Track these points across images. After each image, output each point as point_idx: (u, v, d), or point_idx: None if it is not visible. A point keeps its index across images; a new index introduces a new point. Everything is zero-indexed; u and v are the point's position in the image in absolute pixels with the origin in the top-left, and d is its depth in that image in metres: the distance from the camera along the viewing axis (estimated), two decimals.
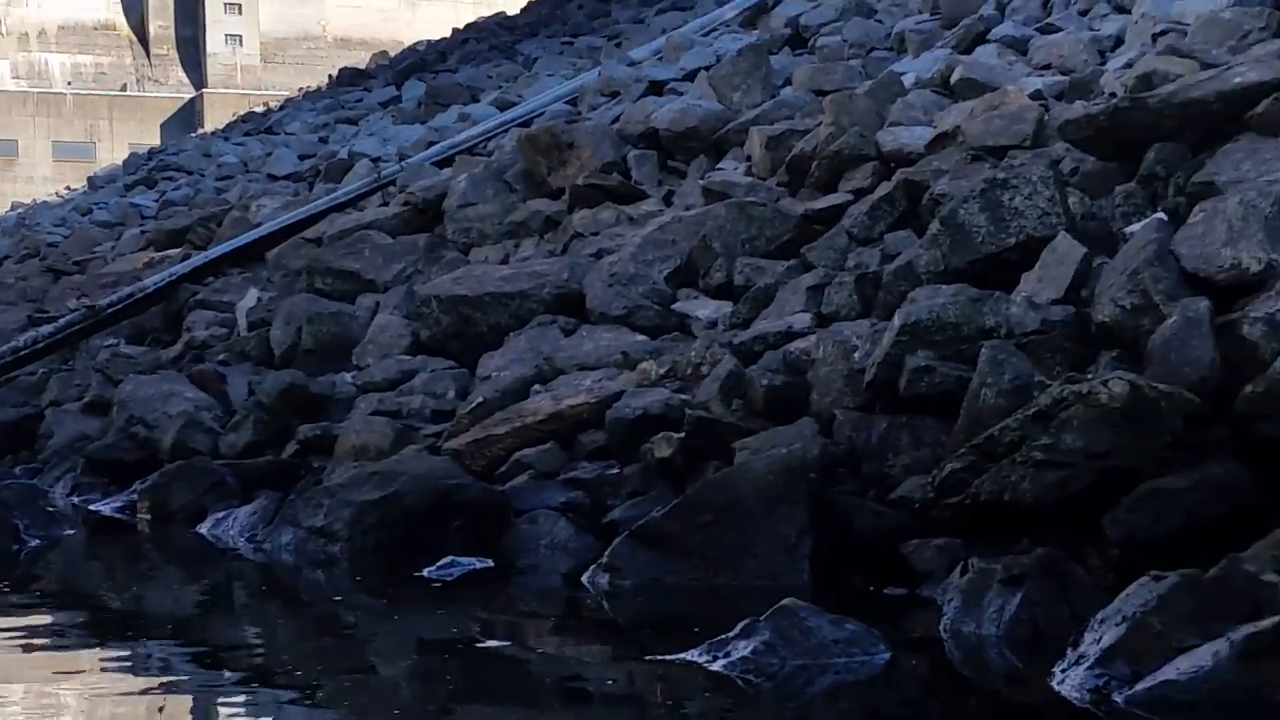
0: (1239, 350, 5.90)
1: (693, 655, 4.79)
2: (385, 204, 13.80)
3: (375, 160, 15.57)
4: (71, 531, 8.64)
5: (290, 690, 4.98)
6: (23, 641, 5.88)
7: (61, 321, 13.50)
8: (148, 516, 9.03)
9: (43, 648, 5.80)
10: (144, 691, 5.02)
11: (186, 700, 4.98)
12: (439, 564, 6.84)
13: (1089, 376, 5.95)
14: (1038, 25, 11.56)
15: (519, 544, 7.31)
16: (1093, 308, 6.63)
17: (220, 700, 4.93)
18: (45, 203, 28.27)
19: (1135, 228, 7.08)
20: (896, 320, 6.79)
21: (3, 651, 5.67)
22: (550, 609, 6.37)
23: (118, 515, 9.52)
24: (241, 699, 4.94)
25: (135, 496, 9.50)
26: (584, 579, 6.34)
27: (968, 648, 5.03)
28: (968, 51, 11.52)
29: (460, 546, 7.18)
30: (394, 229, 12.75)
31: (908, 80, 10.97)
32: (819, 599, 5.80)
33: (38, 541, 8.11)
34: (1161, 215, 7.07)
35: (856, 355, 7.06)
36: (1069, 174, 8.09)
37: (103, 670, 5.41)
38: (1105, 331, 6.48)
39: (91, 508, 9.81)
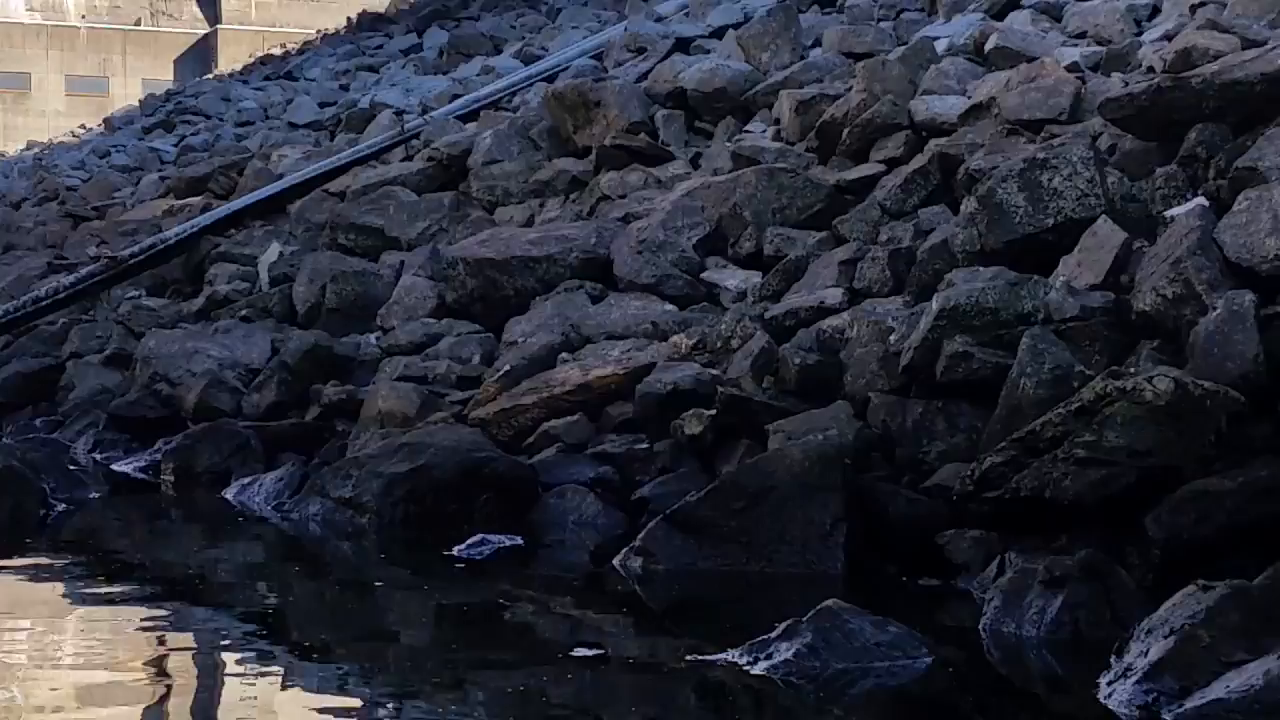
0: None
1: (734, 656, 4.75)
2: (409, 158, 13.71)
3: (398, 112, 15.47)
4: (96, 495, 8.60)
5: (307, 658, 5.07)
6: (57, 605, 5.90)
7: (82, 272, 13.45)
8: (172, 478, 9.01)
9: (71, 609, 5.82)
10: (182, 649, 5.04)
11: (208, 664, 5.06)
12: (469, 542, 6.80)
13: (1131, 370, 5.89)
14: None
15: (546, 519, 7.28)
16: (1133, 295, 6.55)
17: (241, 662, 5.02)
18: (62, 143, 28.17)
19: (1176, 211, 7.00)
20: (934, 304, 6.72)
21: (45, 615, 5.68)
22: (585, 597, 6.32)
23: (140, 475, 9.50)
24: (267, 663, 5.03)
25: (159, 456, 9.48)
26: (616, 562, 6.29)
27: (1007, 649, 4.99)
28: (1000, 16, 11.40)
29: (488, 520, 7.15)
30: (418, 185, 12.68)
31: (940, 46, 10.85)
32: (853, 588, 5.78)
33: (64, 505, 8.08)
34: (1203, 200, 7.00)
35: (892, 338, 6.99)
36: (1106, 152, 8.00)
37: (138, 630, 5.44)
38: (1146, 320, 6.41)
39: (114, 466, 9.79)
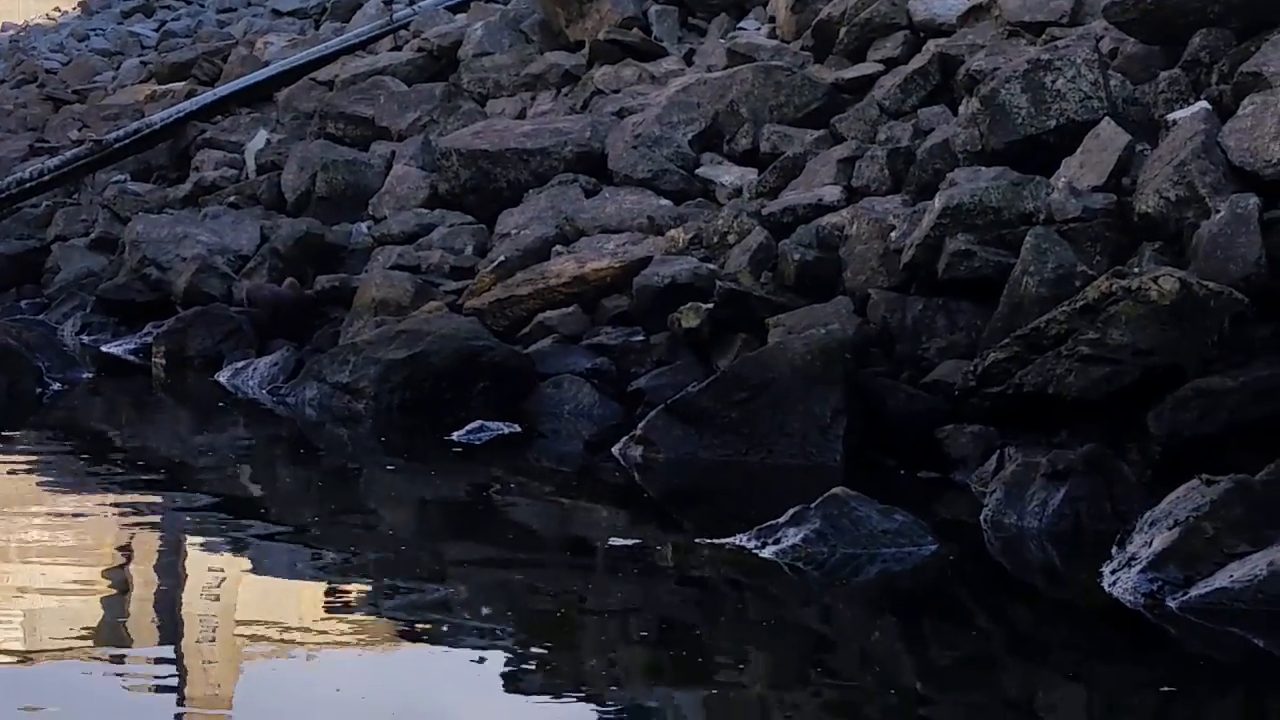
0: None
1: (742, 540, 4.81)
2: (398, 48, 13.59)
3: (387, 1, 15.31)
4: (89, 375, 8.60)
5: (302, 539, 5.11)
6: (59, 485, 5.92)
7: (67, 155, 13.35)
8: (163, 361, 9.00)
9: (76, 489, 5.84)
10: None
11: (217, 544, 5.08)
12: (468, 428, 6.84)
13: (1134, 270, 5.93)
14: None
15: (543, 408, 7.33)
16: (1135, 197, 6.59)
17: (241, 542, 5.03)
18: (39, 25, 27.80)
19: (1179, 115, 7.02)
20: (937, 202, 6.74)
21: (32, 491, 5.71)
22: (587, 484, 6.37)
23: (130, 358, 9.49)
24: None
25: (149, 339, 9.47)
26: (615, 450, 6.35)
27: (1009, 540, 5.06)
28: None
29: (484, 408, 7.18)
30: (408, 76, 12.59)
31: None
32: (851, 480, 5.82)
33: (59, 385, 8.09)
34: (1206, 104, 7.01)
35: (893, 235, 7.02)
36: (1109, 55, 8.00)
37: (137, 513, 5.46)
38: (1148, 222, 6.45)
39: (103, 348, 9.78)
